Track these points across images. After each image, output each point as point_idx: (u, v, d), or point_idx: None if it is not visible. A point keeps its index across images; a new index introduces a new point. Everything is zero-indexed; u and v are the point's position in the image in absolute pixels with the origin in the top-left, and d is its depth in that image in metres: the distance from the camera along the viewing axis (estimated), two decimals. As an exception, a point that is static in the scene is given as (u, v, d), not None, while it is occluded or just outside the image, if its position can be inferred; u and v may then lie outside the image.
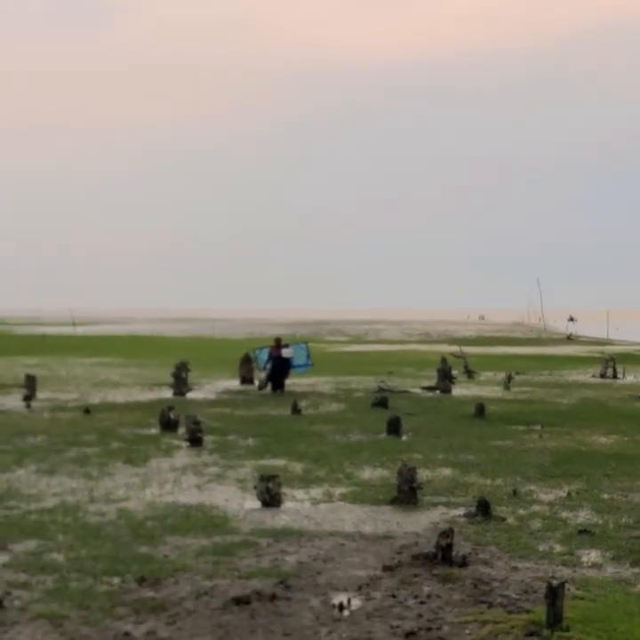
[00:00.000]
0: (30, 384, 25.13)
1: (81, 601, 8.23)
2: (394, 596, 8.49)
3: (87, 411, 22.09)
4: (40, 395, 25.51)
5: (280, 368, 27.88)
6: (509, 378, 30.57)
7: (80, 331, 78.15)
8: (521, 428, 20.40)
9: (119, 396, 26.27)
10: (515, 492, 13.09)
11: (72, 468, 14.68)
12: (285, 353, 28.03)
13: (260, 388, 27.98)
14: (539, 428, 20.37)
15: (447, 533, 9.54)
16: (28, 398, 24.25)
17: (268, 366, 28.05)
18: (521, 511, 12.04)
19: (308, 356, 30.75)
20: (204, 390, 28.37)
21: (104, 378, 32.84)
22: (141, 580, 8.81)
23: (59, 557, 9.58)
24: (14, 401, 24.49)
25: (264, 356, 29.16)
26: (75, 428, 19.37)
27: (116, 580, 8.84)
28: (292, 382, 29.55)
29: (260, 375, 29.20)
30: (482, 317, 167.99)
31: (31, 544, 10.06)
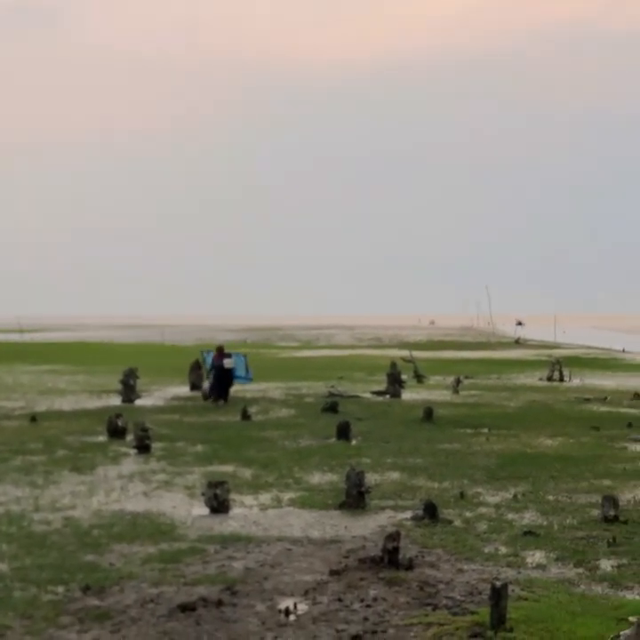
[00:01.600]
0: (-25, 392, 24.79)
1: (24, 610, 8.15)
2: (340, 600, 8.52)
3: (33, 419, 21.82)
4: (-15, 403, 25.18)
5: (223, 378, 27.61)
6: (458, 382, 30.84)
7: (27, 338, 77.16)
8: (469, 431, 20.57)
9: (66, 404, 25.99)
10: (462, 495, 13.20)
11: (17, 477, 14.50)
12: (227, 363, 27.76)
13: (205, 398, 27.74)
14: (486, 431, 20.56)
15: (393, 536, 9.59)
16: (-26, 407, 23.92)
17: (211, 375, 27.81)
18: (467, 513, 12.15)
19: (248, 369, 30.43)
20: (153, 397, 28.19)
21: (51, 385, 32.48)
22: (86, 589, 8.74)
23: (2, 567, 9.47)
24: (-41, 409, 24.13)
25: (211, 359, 28.92)
26: (20, 436, 19.13)
27: (60, 589, 8.75)
28: (243, 388, 29.48)
29: (207, 379, 29.00)
30: (432, 322, 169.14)
31: (-26, 554, 9.93)
